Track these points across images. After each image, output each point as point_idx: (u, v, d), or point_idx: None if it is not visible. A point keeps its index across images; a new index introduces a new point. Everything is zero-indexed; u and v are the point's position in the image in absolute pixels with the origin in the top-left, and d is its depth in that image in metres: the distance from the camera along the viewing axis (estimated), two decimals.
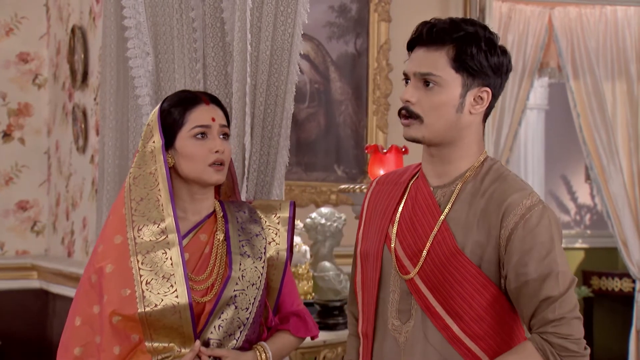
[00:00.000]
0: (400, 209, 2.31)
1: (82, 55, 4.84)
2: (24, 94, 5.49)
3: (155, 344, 2.44)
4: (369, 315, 2.32)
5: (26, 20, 5.50)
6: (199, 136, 2.50)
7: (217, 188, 2.69)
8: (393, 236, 2.29)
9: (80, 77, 4.86)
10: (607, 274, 7.70)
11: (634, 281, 6.55)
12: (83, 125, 4.84)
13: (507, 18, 6.17)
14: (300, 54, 3.00)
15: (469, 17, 2.31)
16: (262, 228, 2.62)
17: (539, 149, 7.87)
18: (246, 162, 2.91)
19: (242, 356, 2.51)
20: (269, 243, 2.61)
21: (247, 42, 2.86)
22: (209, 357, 2.46)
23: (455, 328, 2.19)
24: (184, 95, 2.57)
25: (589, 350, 2.17)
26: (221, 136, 2.53)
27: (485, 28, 2.24)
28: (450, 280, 2.19)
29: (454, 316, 2.19)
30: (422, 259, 2.22)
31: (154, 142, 2.52)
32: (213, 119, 2.52)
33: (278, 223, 2.65)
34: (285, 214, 2.66)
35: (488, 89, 2.24)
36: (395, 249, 2.27)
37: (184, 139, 2.51)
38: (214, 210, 2.60)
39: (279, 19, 2.94)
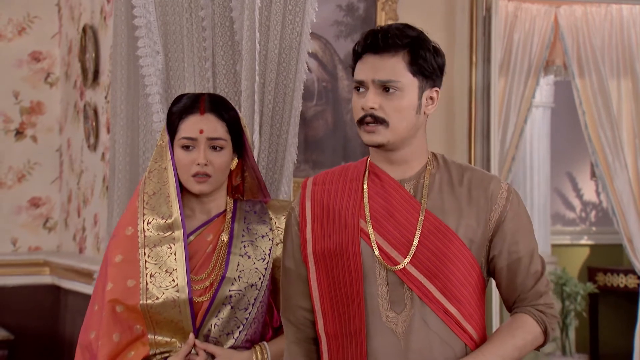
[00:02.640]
0: (366, 204, 2.34)
1: (93, 54, 4.88)
2: (36, 93, 5.54)
3: (158, 337, 2.49)
4: (356, 312, 2.31)
5: (38, 20, 5.55)
6: (185, 147, 2.55)
7: (241, 187, 2.72)
8: (370, 230, 2.31)
9: (92, 75, 4.90)
10: (612, 270, 7.70)
11: (639, 277, 6.58)
12: (94, 123, 4.88)
13: (513, 17, 6.18)
14: (308, 53, 3.02)
15: (402, 23, 2.36)
16: (271, 229, 2.64)
17: (545, 146, 7.86)
18: (255, 160, 2.88)
19: (236, 355, 2.53)
20: (277, 244, 2.62)
21: (255, 41, 2.89)
22: (204, 351, 2.50)
23: (453, 310, 2.27)
24: (186, 100, 2.60)
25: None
26: (215, 147, 2.55)
27: (422, 32, 2.33)
28: (447, 264, 2.27)
29: (452, 299, 2.27)
30: (413, 248, 2.27)
31: (165, 137, 2.59)
32: (201, 131, 2.54)
33: None
34: None
35: (438, 89, 2.34)
36: (376, 242, 2.30)
37: (175, 146, 2.57)
38: (225, 210, 2.63)
39: (287, 17, 2.96)
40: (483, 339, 2.32)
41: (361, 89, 2.30)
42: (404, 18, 5.83)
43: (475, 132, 5.83)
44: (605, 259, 7.94)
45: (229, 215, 2.61)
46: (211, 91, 2.94)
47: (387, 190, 2.34)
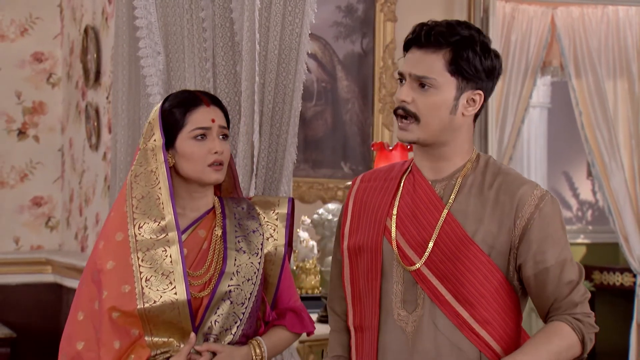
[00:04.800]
0: (397, 202, 2.35)
1: (95, 55, 4.90)
2: (38, 93, 5.56)
3: (155, 339, 2.47)
4: (372, 307, 2.35)
5: (40, 21, 5.57)
6: (199, 137, 2.53)
7: (218, 185, 2.71)
8: (393, 229, 2.32)
9: (93, 76, 4.92)
10: (608, 269, 7.73)
11: (634, 276, 6.60)
12: (96, 123, 4.90)
13: (511, 18, 6.22)
14: (307, 53, 3.03)
15: (464, 20, 2.34)
16: (260, 224, 2.64)
17: (542, 146, 7.89)
18: (255, 160, 2.94)
19: (236, 351, 2.53)
20: (267, 239, 2.63)
21: (255, 42, 2.90)
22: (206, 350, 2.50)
23: (465, 314, 2.25)
24: (185, 96, 2.59)
25: None
26: (220, 137, 2.56)
27: (480, 32, 2.30)
28: (461, 268, 2.24)
29: (464, 303, 2.24)
30: (428, 250, 2.27)
31: (154, 140, 2.53)
32: (213, 120, 2.54)
33: (276, 219, 2.66)
34: (284, 210, 2.68)
35: (481, 92, 2.30)
36: (396, 240, 2.31)
37: (184, 139, 2.54)
38: (213, 207, 2.62)
39: (286, 18, 2.97)
40: (507, 348, 2.27)
41: (403, 81, 2.31)
42: (403, 19, 5.87)
43: (473, 132, 5.87)
44: (602, 257, 7.97)
45: (218, 211, 2.62)
46: (212, 91, 2.96)
47: (416, 190, 2.34)
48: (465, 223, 2.26)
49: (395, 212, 2.34)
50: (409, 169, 2.41)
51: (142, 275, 2.45)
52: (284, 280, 2.68)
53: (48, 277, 5.41)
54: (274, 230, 2.66)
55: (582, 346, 2.24)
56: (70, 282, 5.07)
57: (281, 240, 2.65)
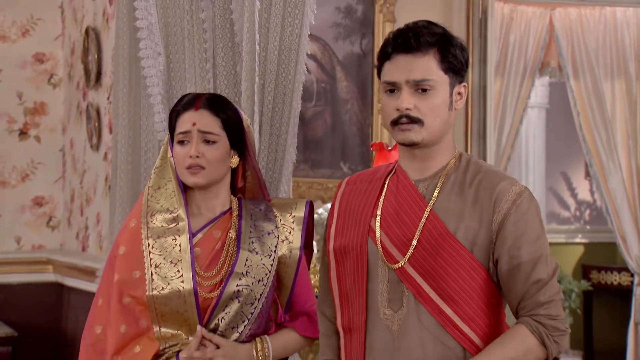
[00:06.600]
0: (381, 203, 2.36)
1: (96, 56, 4.92)
2: (39, 93, 5.58)
3: (164, 330, 2.51)
4: (359, 307, 2.35)
5: (42, 22, 5.59)
6: (180, 142, 2.58)
7: (243, 187, 2.75)
8: (377, 228, 2.33)
9: (94, 76, 4.93)
10: (606, 268, 7.72)
11: (632, 275, 6.62)
12: (97, 124, 4.92)
13: (509, 19, 6.24)
14: (307, 54, 3.05)
15: (425, 20, 2.35)
16: (276, 226, 2.66)
17: (540, 146, 7.91)
18: (256, 160, 2.92)
19: (240, 346, 2.56)
20: (282, 241, 2.65)
21: (255, 43, 2.92)
22: (210, 341, 2.52)
23: (448, 311, 2.26)
24: (184, 99, 2.64)
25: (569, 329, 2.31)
26: (208, 141, 2.57)
27: (445, 27, 2.34)
28: (443, 265, 2.25)
29: (447, 299, 2.25)
30: (412, 247, 2.28)
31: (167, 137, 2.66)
32: (194, 124, 2.57)
33: (293, 222, 2.68)
34: (300, 213, 2.70)
35: (465, 84, 2.35)
36: (381, 240, 2.32)
37: (174, 142, 2.61)
38: (230, 208, 2.66)
39: (286, 19, 2.99)
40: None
41: (395, 91, 2.30)
42: (402, 20, 5.89)
43: (472, 132, 5.90)
44: (599, 257, 7.96)
45: (235, 213, 2.64)
46: (212, 92, 2.97)
47: (399, 190, 2.36)
48: (447, 220, 2.28)
49: (379, 212, 2.36)
50: (394, 170, 2.42)
51: (152, 262, 2.51)
52: (300, 284, 2.69)
53: (49, 276, 5.43)
54: (290, 233, 2.67)
55: (545, 349, 2.24)
56: (71, 282, 5.10)
57: (296, 244, 2.67)
